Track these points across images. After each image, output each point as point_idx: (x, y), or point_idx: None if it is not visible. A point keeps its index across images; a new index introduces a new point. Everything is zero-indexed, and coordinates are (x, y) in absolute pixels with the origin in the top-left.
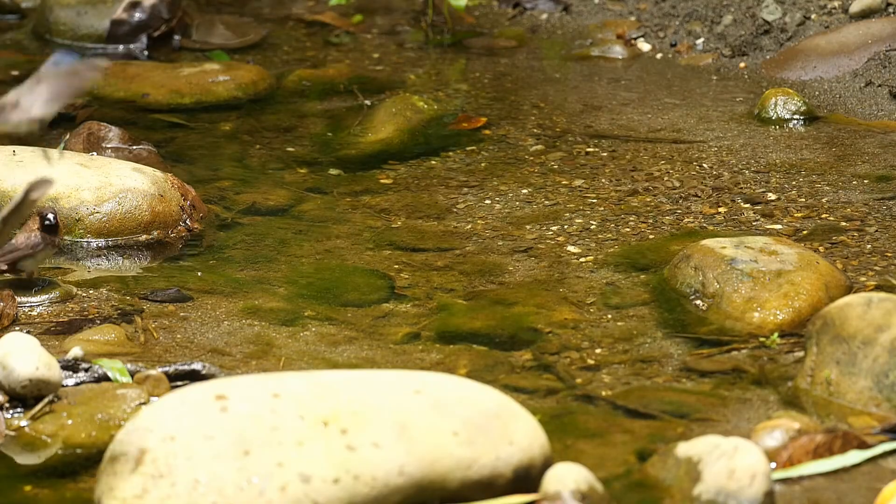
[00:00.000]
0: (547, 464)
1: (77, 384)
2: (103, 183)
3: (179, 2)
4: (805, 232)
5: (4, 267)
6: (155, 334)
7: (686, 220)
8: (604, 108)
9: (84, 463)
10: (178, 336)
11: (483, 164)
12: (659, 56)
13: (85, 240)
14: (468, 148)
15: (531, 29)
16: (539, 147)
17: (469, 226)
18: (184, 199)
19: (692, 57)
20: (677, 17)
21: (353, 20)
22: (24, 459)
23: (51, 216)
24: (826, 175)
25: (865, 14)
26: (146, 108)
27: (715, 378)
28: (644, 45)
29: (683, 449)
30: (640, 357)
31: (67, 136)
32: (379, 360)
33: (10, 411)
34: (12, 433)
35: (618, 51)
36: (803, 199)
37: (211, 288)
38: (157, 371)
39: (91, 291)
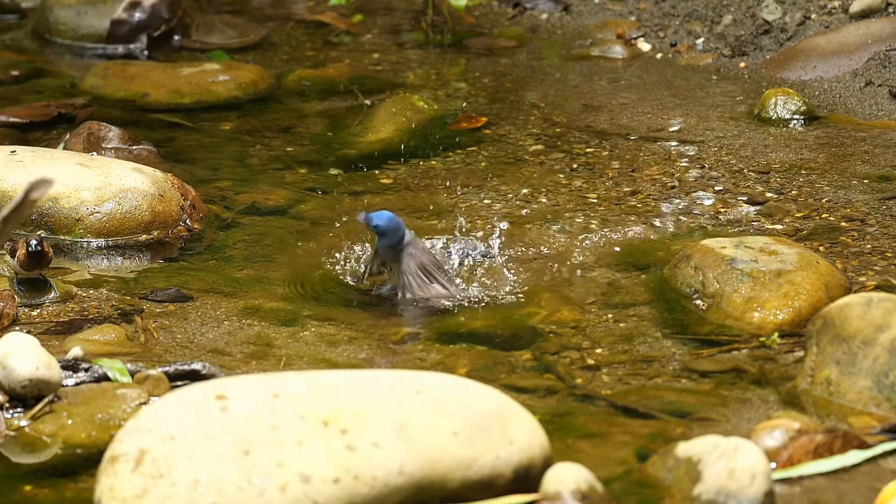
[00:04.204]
0: (547, 464)
1: (77, 384)
2: (103, 183)
3: (179, 2)
4: (805, 232)
5: None
6: (155, 334)
7: (686, 220)
8: (604, 107)
9: (84, 463)
10: (178, 336)
11: (483, 164)
12: (659, 56)
13: (85, 240)
14: (468, 148)
15: (531, 29)
16: (539, 147)
17: (469, 226)
18: (184, 199)
19: (692, 57)
20: (677, 17)
21: (353, 20)
22: (24, 459)
23: (33, 242)
24: (826, 175)
25: (865, 14)
26: (146, 108)
27: (715, 378)
28: (644, 45)
29: (683, 449)
30: (640, 357)
31: (67, 136)
32: (379, 360)
33: (10, 411)
34: (12, 433)
35: (618, 51)
36: (803, 199)
37: (211, 288)
38: (157, 371)
39: (91, 291)
